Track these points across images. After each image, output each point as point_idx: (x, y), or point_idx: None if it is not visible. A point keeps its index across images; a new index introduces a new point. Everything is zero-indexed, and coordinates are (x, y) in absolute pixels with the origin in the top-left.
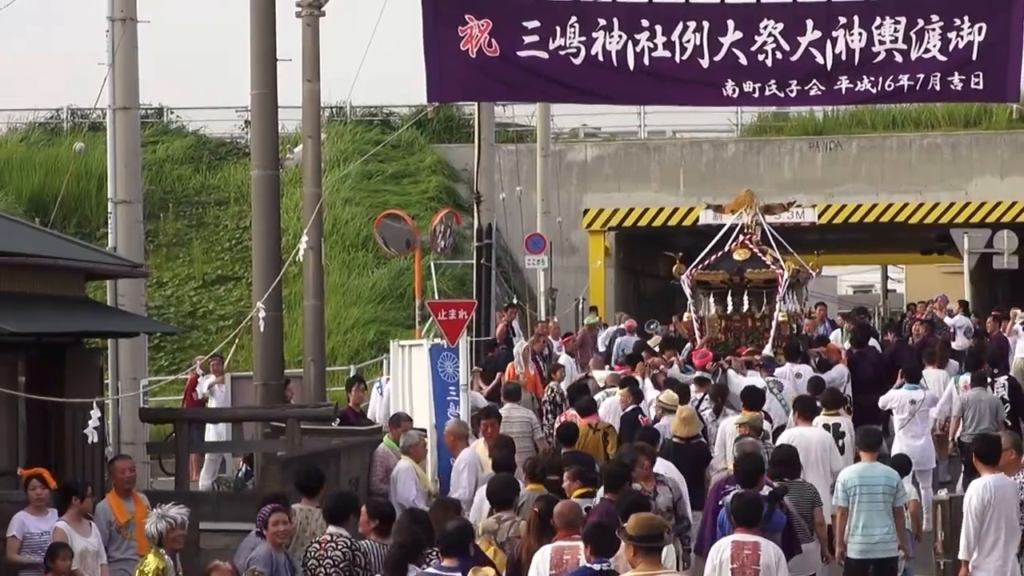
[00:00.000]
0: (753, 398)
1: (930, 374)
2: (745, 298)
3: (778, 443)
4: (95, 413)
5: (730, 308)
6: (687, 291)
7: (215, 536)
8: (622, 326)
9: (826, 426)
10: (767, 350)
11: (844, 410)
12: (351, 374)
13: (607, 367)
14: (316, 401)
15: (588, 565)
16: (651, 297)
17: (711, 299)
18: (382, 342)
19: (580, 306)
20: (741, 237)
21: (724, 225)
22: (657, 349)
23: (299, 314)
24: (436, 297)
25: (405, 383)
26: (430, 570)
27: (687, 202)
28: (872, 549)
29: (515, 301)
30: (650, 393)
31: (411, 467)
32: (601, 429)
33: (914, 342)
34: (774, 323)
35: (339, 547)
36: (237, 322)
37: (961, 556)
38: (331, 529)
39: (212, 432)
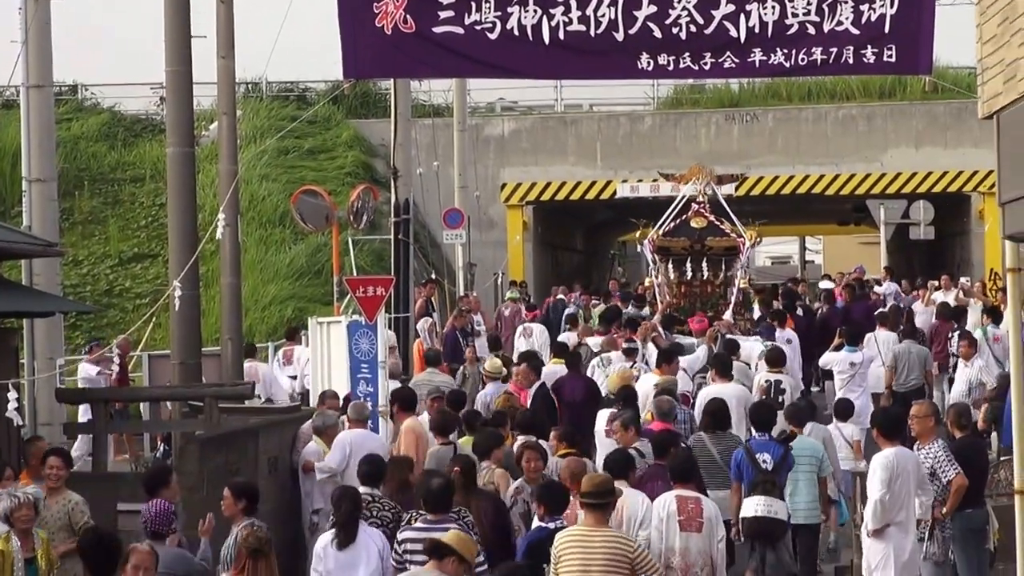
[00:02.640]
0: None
1: (880, 335)
2: (704, 264)
3: (699, 400)
4: (12, 395)
5: (688, 274)
6: (648, 257)
7: (133, 517)
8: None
9: (768, 382)
10: (727, 315)
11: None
12: (269, 351)
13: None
14: (234, 379)
15: (542, 524)
16: (569, 271)
17: (669, 265)
18: (300, 319)
19: (499, 280)
20: (695, 206)
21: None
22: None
23: (216, 292)
24: (354, 273)
25: (324, 360)
26: (419, 524)
27: (604, 175)
28: (795, 515)
29: (433, 276)
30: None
31: (318, 451)
32: None
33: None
34: (735, 289)
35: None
36: (154, 300)
37: (870, 527)
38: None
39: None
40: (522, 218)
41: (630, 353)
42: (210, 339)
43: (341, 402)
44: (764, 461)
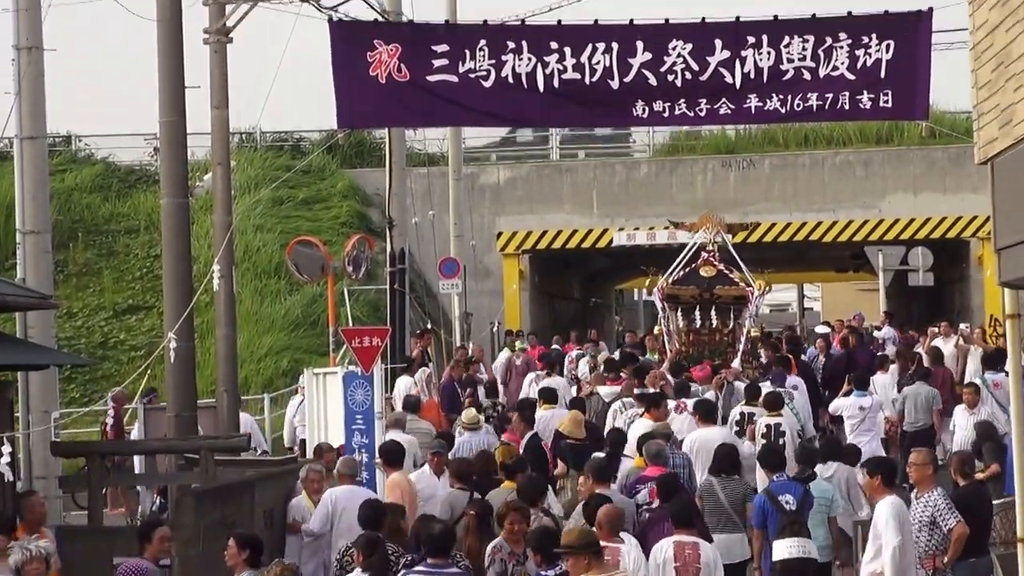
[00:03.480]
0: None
1: (879, 379)
2: (712, 313)
3: (686, 444)
4: (6, 449)
5: (697, 322)
6: (658, 305)
7: None
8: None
9: (768, 426)
10: (735, 363)
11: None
12: (264, 403)
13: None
14: (229, 432)
15: (540, 573)
16: (567, 320)
17: (678, 313)
18: (296, 370)
19: (495, 329)
20: (704, 255)
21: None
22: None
23: (212, 343)
24: (350, 324)
25: (320, 411)
26: (420, 568)
27: (600, 223)
28: None
29: (429, 326)
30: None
31: (303, 506)
32: None
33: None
34: (743, 338)
35: None
36: (149, 352)
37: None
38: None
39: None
40: (518, 267)
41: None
42: (206, 391)
43: (335, 455)
44: (787, 502)
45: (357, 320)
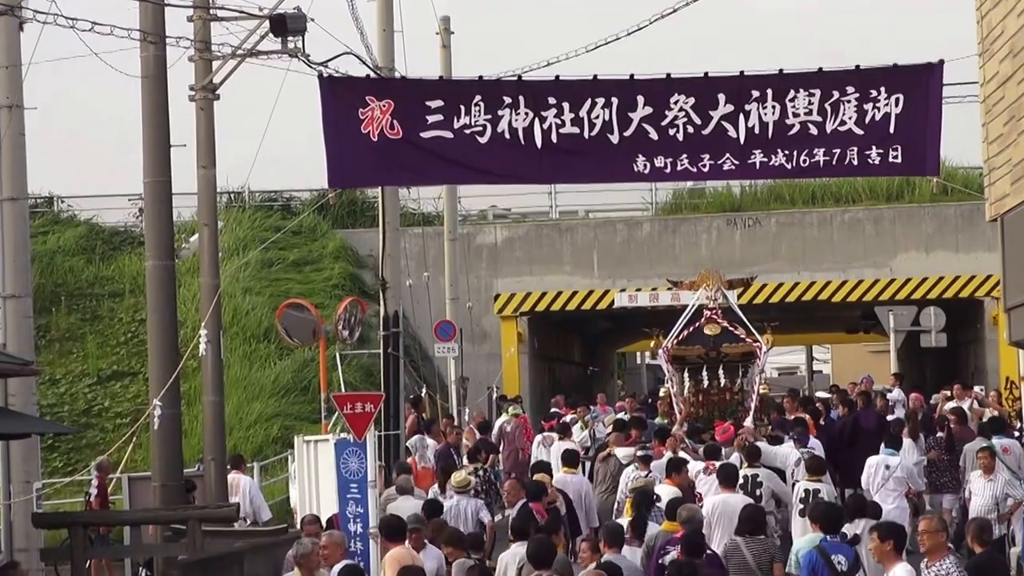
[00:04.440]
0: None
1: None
2: (720, 372)
3: (706, 508)
4: None
5: (705, 382)
6: (664, 367)
7: None
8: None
9: (807, 491)
10: (748, 422)
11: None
12: (255, 471)
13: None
14: (218, 501)
15: None
16: (566, 383)
17: (685, 374)
18: (287, 437)
19: (493, 394)
20: (707, 313)
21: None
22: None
23: (199, 410)
24: (342, 389)
25: (312, 481)
26: None
27: (602, 284)
28: None
29: (424, 392)
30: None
31: None
32: None
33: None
34: (755, 396)
35: None
36: (134, 419)
37: None
38: None
39: None
40: (516, 329)
41: (646, 461)
42: (192, 459)
43: (325, 524)
44: (839, 563)
45: (350, 386)
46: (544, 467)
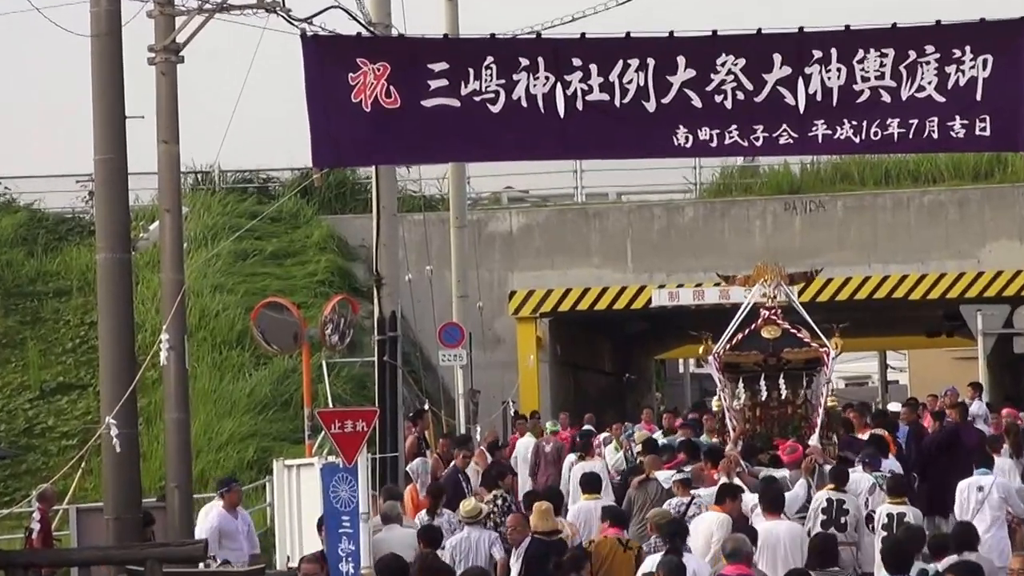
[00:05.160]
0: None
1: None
2: (781, 382)
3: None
4: None
5: (763, 394)
6: (715, 376)
7: None
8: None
9: (890, 515)
10: (813, 440)
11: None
12: None
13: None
14: (182, 538)
15: None
16: (595, 396)
17: (740, 385)
18: (264, 461)
19: (508, 410)
20: (765, 313)
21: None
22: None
23: (160, 429)
24: (330, 404)
25: (293, 511)
26: None
27: (636, 279)
28: None
29: (427, 407)
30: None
31: None
32: (634, 548)
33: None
34: (821, 409)
35: None
36: (83, 441)
37: None
38: None
39: None
40: (535, 333)
41: (685, 484)
42: (153, 488)
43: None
44: None
45: (338, 400)
46: (553, 494)
